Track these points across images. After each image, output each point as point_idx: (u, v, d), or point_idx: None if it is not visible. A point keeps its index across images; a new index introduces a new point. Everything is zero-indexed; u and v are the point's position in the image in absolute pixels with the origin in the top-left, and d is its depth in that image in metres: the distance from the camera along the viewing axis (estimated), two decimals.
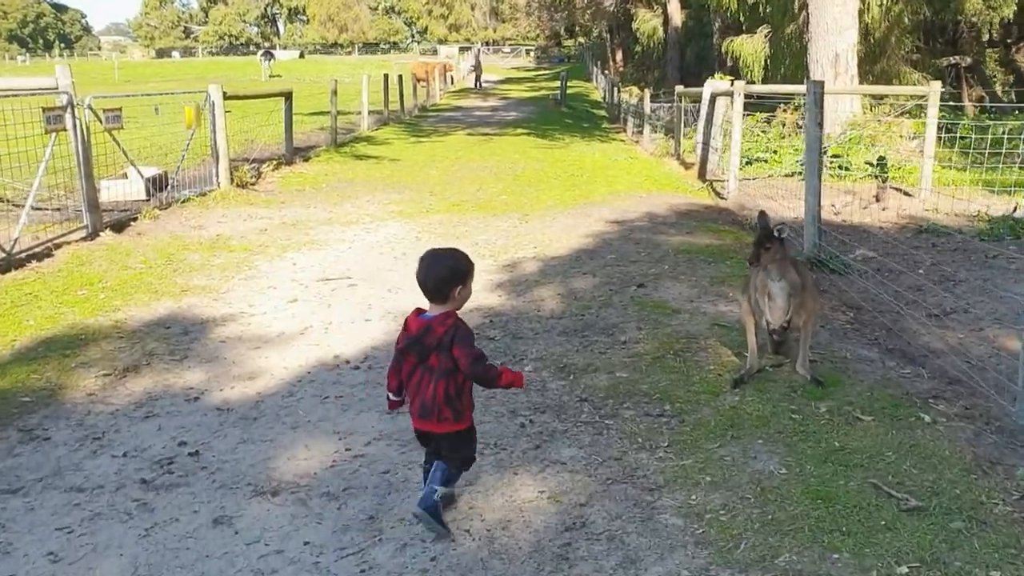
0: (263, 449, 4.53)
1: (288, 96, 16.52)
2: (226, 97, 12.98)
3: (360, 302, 7.21)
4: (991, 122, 17.70)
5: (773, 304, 5.09)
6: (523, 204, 12.05)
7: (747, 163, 15.34)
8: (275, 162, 15.34)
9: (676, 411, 4.81)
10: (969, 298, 7.34)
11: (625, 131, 26.26)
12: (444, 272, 3.36)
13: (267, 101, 17.01)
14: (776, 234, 4.97)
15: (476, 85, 47.00)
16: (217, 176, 12.86)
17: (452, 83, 47.03)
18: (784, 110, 20.19)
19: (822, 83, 8.52)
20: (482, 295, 7.37)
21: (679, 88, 19.22)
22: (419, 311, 3.45)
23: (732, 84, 14.05)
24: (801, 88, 16.41)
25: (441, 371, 3.34)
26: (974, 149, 15.47)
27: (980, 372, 5.43)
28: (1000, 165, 14.22)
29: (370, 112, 24.48)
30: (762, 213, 5.11)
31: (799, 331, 5.21)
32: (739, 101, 12.93)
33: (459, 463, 3.59)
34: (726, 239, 9.50)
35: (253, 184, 13.56)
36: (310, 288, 7.68)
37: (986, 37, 26.81)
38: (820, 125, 8.52)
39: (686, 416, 4.74)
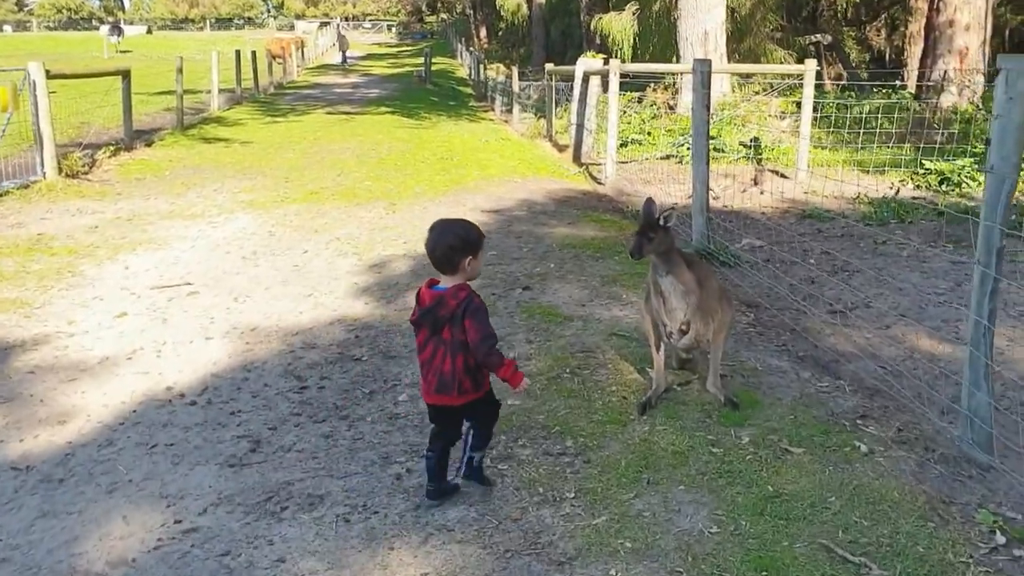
0: (68, 526, 3.56)
1: (126, 75, 14.93)
2: (50, 76, 11.45)
3: (201, 315, 6.18)
4: (856, 101, 17.91)
5: (666, 304, 4.44)
6: (389, 191, 11.13)
7: (621, 145, 14.86)
8: (113, 148, 13.81)
9: (580, 447, 4.09)
10: (867, 290, 6.95)
11: (493, 110, 25.52)
12: (454, 241, 3.27)
13: (107, 80, 15.36)
14: (662, 222, 4.30)
15: (342, 62, 45.12)
16: (42, 165, 11.33)
17: (309, 59, 45.10)
18: (654, 89, 19.90)
19: (709, 62, 7.97)
20: (345, 302, 6.47)
21: (549, 66, 18.59)
22: (432, 282, 3.40)
23: (606, 63, 13.48)
24: (676, 67, 16.13)
25: (456, 343, 3.30)
26: (841, 128, 15.52)
27: (899, 379, 4.96)
28: (874, 146, 14.26)
29: (222, 91, 22.83)
30: (649, 200, 4.44)
31: (707, 343, 4.58)
32: (615, 81, 12.36)
33: (488, 421, 3.65)
34: (610, 230, 8.89)
35: (86, 173, 12.08)
36: (143, 298, 6.58)
37: (843, 15, 27.42)
38: (707, 107, 7.98)
39: (592, 454, 4.02)
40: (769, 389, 4.77)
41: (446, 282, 3.32)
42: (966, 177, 11.70)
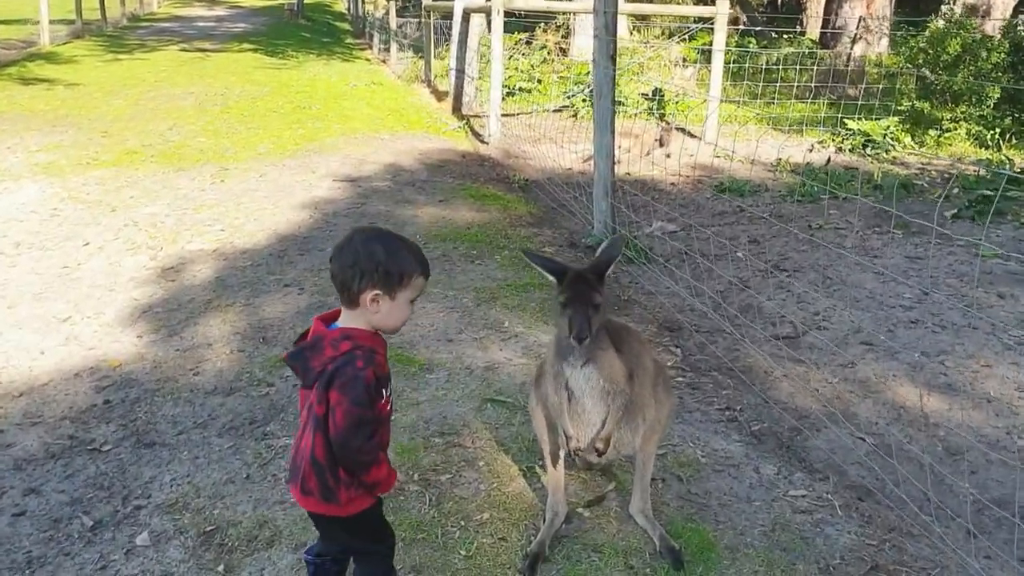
0: None
1: None
2: None
3: None
4: (759, 49, 16.49)
5: (573, 405, 2.75)
6: (224, 151, 9.04)
7: (507, 94, 13.03)
8: None
9: None
10: (815, 302, 5.41)
11: (371, 48, 23.08)
12: (355, 261, 2.18)
13: None
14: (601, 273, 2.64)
15: None
16: None
17: None
18: (544, 30, 18.02)
19: (615, 1, 6.18)
20: (111, 334, 4.54)
21: (427, 1, 16.43)
22: (334, 314, 2.30)
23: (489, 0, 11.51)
24: (572, 6, 14.22)
25: (315, 417, 2.17)
26: (748, 79, 14.08)
27: (892, 472, 3.41)
28: (787, 100, 12.84)
29: (57, 22, 19.73)
30: (615, 242, 2.77)
31: (631, 449, 2.91)
32: (498, 21, 10.41)
33: (368, 565, 2.43)
34: (492, 209, 7.09)
35: None
36: None
37: None
38: (613, 59, 6.23)
39: None
40: (722, 508, 3.13)
41: (343, 319, 2.24)
42: (892, 139, 10.38)
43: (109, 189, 7.49)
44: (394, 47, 19.12)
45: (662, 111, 12.13)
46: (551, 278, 2.66)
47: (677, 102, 12.68)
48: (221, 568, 2.79)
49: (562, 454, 2.92)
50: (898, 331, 4.98)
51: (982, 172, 8.55)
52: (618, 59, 12.58)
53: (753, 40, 18.03)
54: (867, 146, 10.28)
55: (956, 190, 8.09)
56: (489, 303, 4.90)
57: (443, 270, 5.43)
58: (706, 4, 13.57)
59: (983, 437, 3.86)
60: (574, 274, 2.63)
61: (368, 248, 2.15)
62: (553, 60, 15.59)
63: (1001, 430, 3.92)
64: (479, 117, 11.65)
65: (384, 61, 20.09)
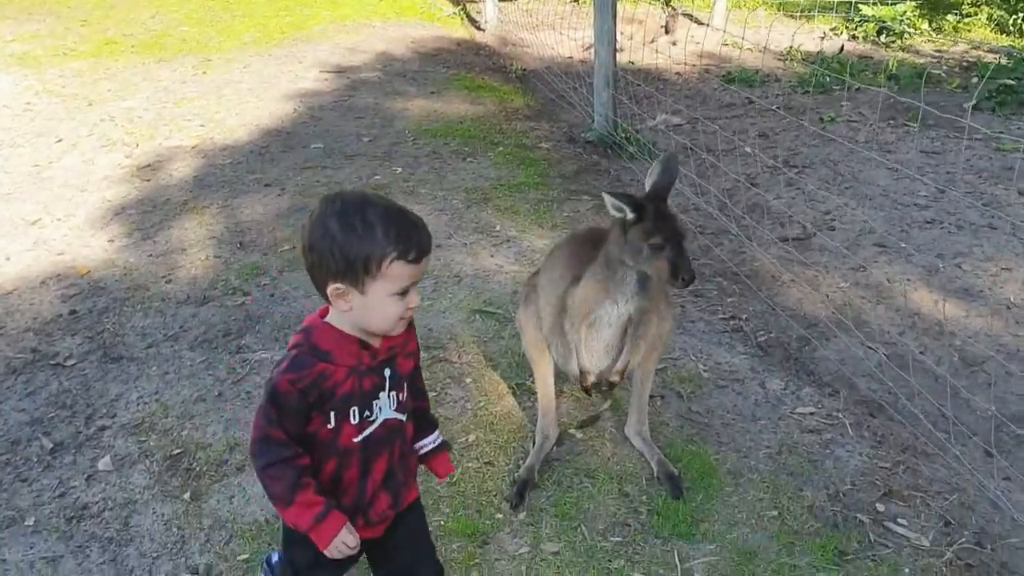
0: None
1: None
2: None
3: None
4: None
5: (593, 339, 2.52)
6: (208, 40, 8.60)
7: None
8: None
9: None
10: (826, 200, 5.12)
11: None
12: (311, 244, 1.68)
13: None
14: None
15: None
16: None
17: None
18: None
19: None
20: (81, 238, 4.30)
21: None
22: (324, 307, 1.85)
23: None
24: None
25: None
26: None
27: (910, 389, 3.20)
28: None
29: None
30: (668, 161, 2.49)
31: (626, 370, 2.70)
32: None
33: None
34: (486, 101, 6.72)
35: None
36: None
37: None
38: None
39: None
40: (724, 428, 2.93)
41: (329, 316, 1.77)
42: (908, 25, 9.85)
43: (86, 82, 7.12)
44: None
45: None
46: (631, 214, 2.35)
47: None
48: (187, 495, 2.62)
49: (552, 372, 2.71)
50: (913, 231, 4.71)
51: (1003, 60, 8.10)
52: None
53: None
54: (882, 33, 9.76)
55: (975, 79, 7.67)
56: (480, 205, 4.61)
57: (432, 168, 5.12)
58: None
59: (1002, 347, 3.64)
60: (656, 208, 2.34)
61: (324, 227, 1.63)
62: None
63: (1022, 339, 3.70)
64: (475, 2, 11.07)
65: None
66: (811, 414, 3.03)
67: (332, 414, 1.69)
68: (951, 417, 3.08)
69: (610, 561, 2.34)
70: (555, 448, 2.77)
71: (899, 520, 2.53)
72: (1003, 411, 3.17)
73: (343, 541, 1.70)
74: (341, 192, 1.70)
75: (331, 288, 1.64)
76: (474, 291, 3.72)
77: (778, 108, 6.99)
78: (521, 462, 2.70)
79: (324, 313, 1.75)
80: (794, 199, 5.22)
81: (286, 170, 5.10)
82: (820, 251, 4.54)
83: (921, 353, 3.60)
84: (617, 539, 2.41)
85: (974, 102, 6.93)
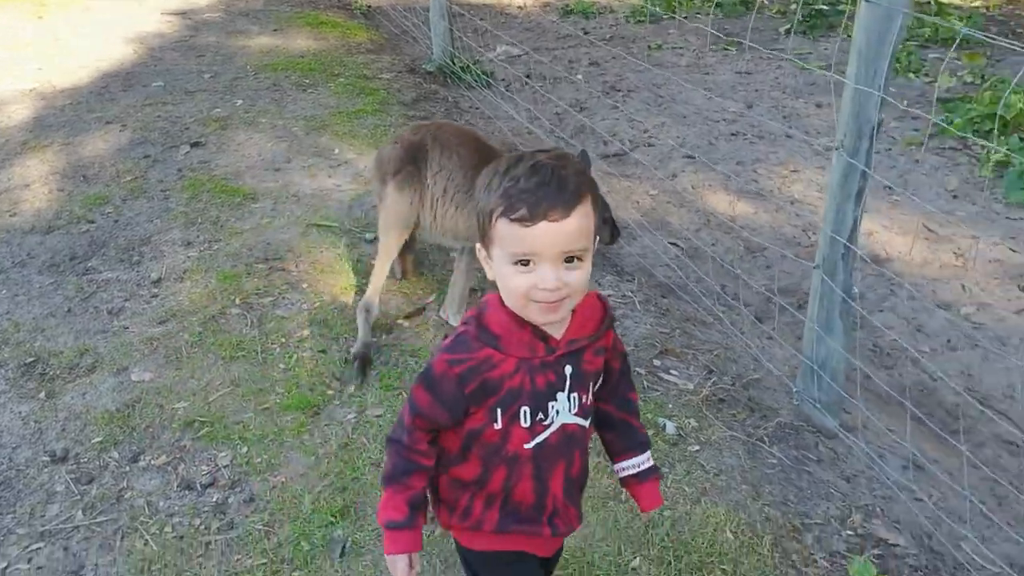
0: None
1: None
2: None
3: None
4: None
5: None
6: None
7: None
8: None
9: (239, 472, 2.52)
10: (645, 119, 5.59)
11: None
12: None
13: None
14: None
15: None
16: None
17: None
18: None
19: None
20: None
21: None
22: None
23: None
24: None
25: None
26: None
27: (697, 278, 3.69)
28: None
29: None
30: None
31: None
32: None
33: None
34: (329, 36, 6.89)
35: None
36: None
37: None
38: None
39: (258, 483, 2.48)
40: None
41: None
42: None
43: None
44: None
45: None
46: None
47: None
48: (43, 395, 2.85)
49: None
50: (719, 144, 5.23)
51: None
52: None
53: None
54: None
55: (793, 5, 8.29)
56: (319, 131, 4.86)
57: (273, 100, 5.32)
58: None
59: (781, 236, 4.18)
60: None
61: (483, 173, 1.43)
62: None
63: (799, 228, 4.25)
64: None
65: None
66: (608, 295, 3.47)
67: (498, 412, 1.44)
68: (730, 294, 3.59)
69: None
70: (385, 336, 3.12)
71: (671, 371, 3.00)
72: (774, 287, 3.70)
73: (396, 566, 1.53)
74: (521, 152, 1.42)
75: (476, 247, 1.45)
76: (311, 208, 4.00)
77: (610, 38, 7.44)
78: (351, 352, 3.03)
79: None
80: (617, 120, 5.66)
81: (127, 108, 5.20)
82: (636, 165, 4.99)
83: (713, 245, 4.10)
84: None
85: (788, 26, 7.54)
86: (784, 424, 2.75)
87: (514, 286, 1.36)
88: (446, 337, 1.46)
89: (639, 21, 8.01)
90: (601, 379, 1.56)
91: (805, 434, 2.74)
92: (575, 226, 1.31)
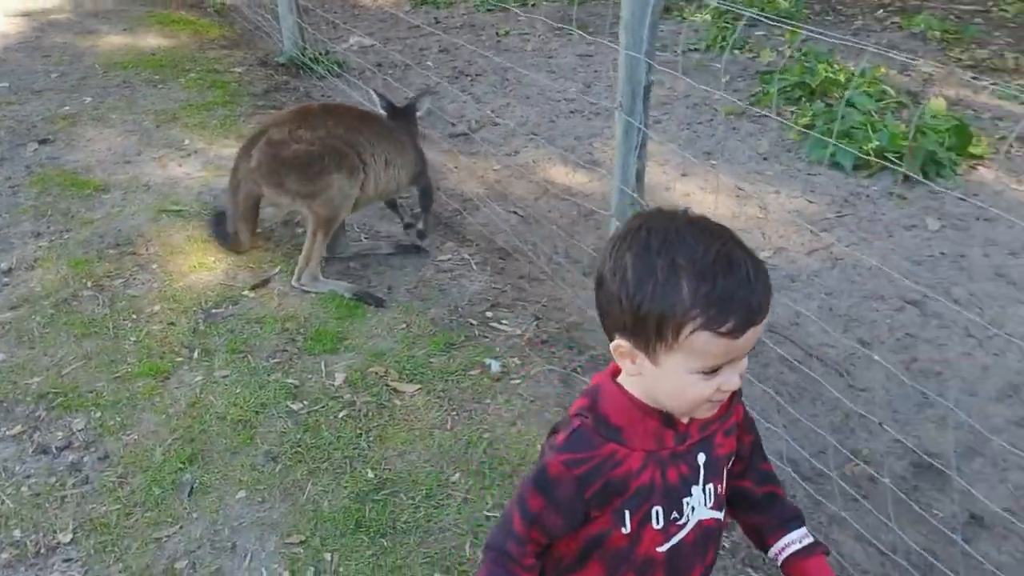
0: None
1: None
2: None
3: None
4: None
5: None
6: None
7: None
8: None
9: (93, 433, 2.71)
10: (492, 101, 5.91)
11: None
12: (603, 278, 1.23)
13: None
14: None
15: None
16: None
17: None
18: None
19: None
20: None
21: None
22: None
23: None
24: None
25: None
26: None
27: (536, 236, 4.02)
28: None
29: None
30: None
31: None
32: None
33: None
34: (181, 34, 6.96)
35: None
36: None
37: None
38: None
39: (111, 443, 2.67)
40: (377, 275, 3.60)
41: (622, 375, 1.32)
42: None
43: None
44: None
45: None
46: None
47: None
48: None
49: None
50: (559, 121, 5.59)
51: None
52: None
53: None
54: None
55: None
56: (170, 124, 4.98)
57: (122, 96, 5.40)
58: None
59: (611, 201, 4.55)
60: None
61: (618, 260, 1.18)
62: None
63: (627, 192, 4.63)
64: None
65: None
66: (447, 259, 3.76)
67: (626, 514, 1.26)
68: (561, 253, 3.93)
69: (269, 375, 2.95)
70: (231, 306, 3.32)
71: (502, 321, 3.31)
72: (602, 245, 4.05)
73: None
74: (655, 212, 1.21)
75: (614, 343, 1.22)
76: (162, 195, 4.15)
77: (460, 26, 7.74)
78: (200, 322, 3.22)
79: (616, 371, 1.30)
80: (465, 103, 5.95)
81: None
82: (481, 143, 5.29)
83: (549, 212, 4.44)
84: (276, 360, 3.03)
85: None
86: (596, 356, 3.10)
87: (692, 395, 1.18)
88: (555, 432, 1.28)
89: (489, 9, 8.33)
90: (733, 460, 1.38)
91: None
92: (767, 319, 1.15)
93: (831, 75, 5.51)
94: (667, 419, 1.24)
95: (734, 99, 5.63)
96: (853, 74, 5.53)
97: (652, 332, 1.14)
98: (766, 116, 5.44)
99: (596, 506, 1.24)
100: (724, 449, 1.32)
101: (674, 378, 1.17)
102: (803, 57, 5.97)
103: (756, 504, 1.44)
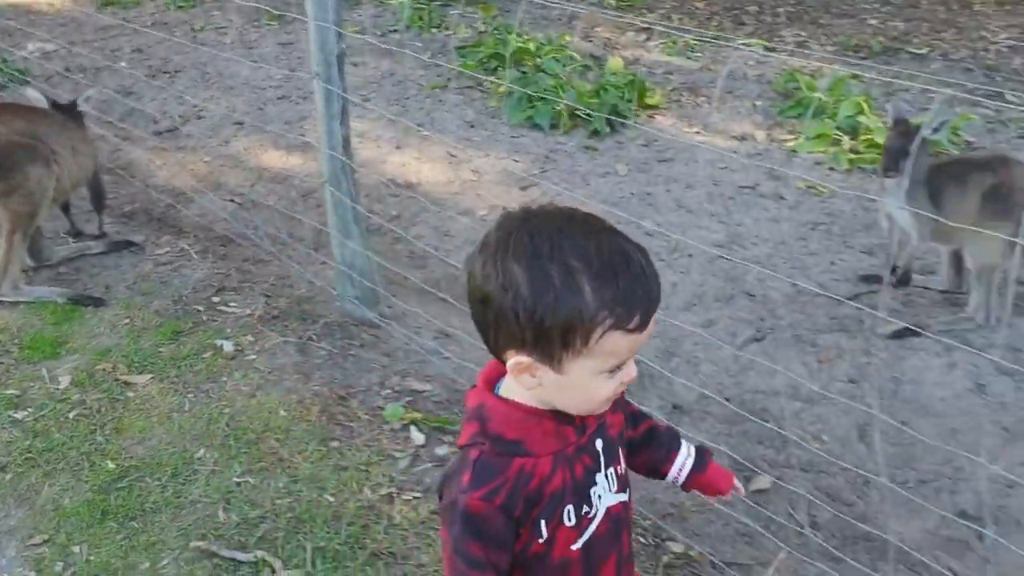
0: None
1: None
2: None
3: None
4: None
5: None
6: None
7: None
8: None
9: None
10: (194, 95, 5.75)
11: None
12: (485, 292, 1.11)
13: None
14: None
15: None
16: None
17: None
18: None
19: None
20: None
21: None
22: (489, 369, 1.27)
23: None
24: None
25: None
26: None
27: (254, 221, 4.02)
28: None
29: None
30: None
31: None
32: None
33: None
34: None
35: None
36: None
37: None
38: None
39: None
40: (105, 271, 3.47)
41: (505, 386, 1.24)
42: None
43: None
44: None
45: None
46: None
47: None
48: None
49: None
50: (267, 108, 5.56)
51: None
52: None
53: None
54: None
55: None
56: None
57: None
58: None
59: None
60: None
61: (504, 271, 1.10)
62: None
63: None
64: None
65: None
66: (165, 252, 3.69)
67: (542, 524, 1.21)
68: (287, 233, 3.95)
69: None
70: None
71: (230, 304, 3.31)
72: (325, 220, 4.12)
73: None
74: (527, 212, 1.14)
75: (513, 360, 1.14)
76: None
77: (152, 24, 7.42)
78: None
79: (491, 379, 1.25)
80: (167, 100, 5.76)
81: None
82: (188, 137, 5.17)
83: (268, 195, 4.43)
84: None
85: None
86: (330, 323, 3.19)
87: (599, 395, 1.17)
88: (448, 477, 1.22)
89: (180, 7, 8.05)
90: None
91: (350, 328, 3.19)
92: None
93: (522, 45, 5.88)
94: (561, 416, 1.19)
95: (436, 74, 5.89)
96: (542, 43, 5.95)
97: (557, 342, 1.09)
98: (469, 87, 5.73)
99: (520, 525, 1.19)
100: (615, 428, 1.29)
101: (580, 383, 1.14)
102: (496, 31, 6.33)
103: (640, 444, 1.43)
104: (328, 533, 2.23)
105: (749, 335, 3.29)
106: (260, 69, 6.21)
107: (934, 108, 3.68)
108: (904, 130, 3.16)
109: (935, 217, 2.96)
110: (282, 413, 2.65)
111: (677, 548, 2.28)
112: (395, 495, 2.37)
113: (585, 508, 1.22)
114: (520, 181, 4.50)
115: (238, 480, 2.41)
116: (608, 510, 1.25)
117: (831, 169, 4.54)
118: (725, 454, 2.37)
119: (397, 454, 2.54)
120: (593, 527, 1.24)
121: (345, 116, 2.90)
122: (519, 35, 6.07)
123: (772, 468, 2.61)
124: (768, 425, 2.71)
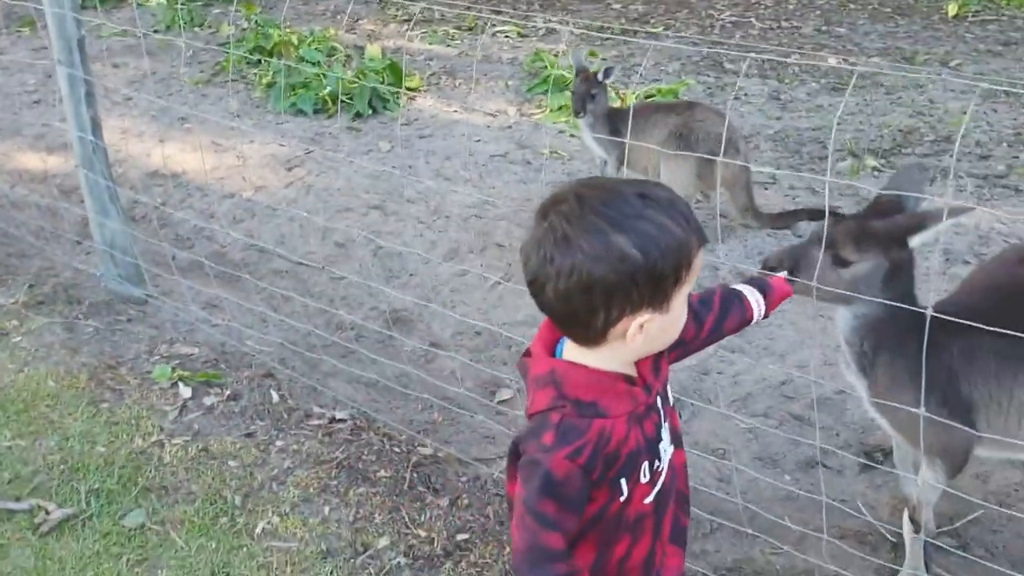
0: None
1: None
2: None
3: None
4: None
5: None
6: None
7: None
8: None
9: None
10: None
11: None
12: (588, 276, 1.13)
13: None
14: None
15: None
16: None
17: None
18: None
19: None
20: None
21: None
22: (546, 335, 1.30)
23: None
24: None
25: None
26: None
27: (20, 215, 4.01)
28: None
29: None
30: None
31: None
32: None
33: None
34: None
35: None
36: None
37: None
38: None
39: None
40: None
41: (568, 351, 1.28)
42: None
43: None
44: None
45: None
46: None
47: None
48: None
49: None
50: (23, 112, 5.46)
51: None
52: None
53: None
54: None
55: None
56: None
57: None
58: None
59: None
60: None
61: (606, 249, 1.14)
62: None
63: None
64: None
65: None
66: None
67: (623, 483, 1.25)
68: (49, 227, 3.98)
69: None
70: None
71: None
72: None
73: None
74: (561, 199, 1.18)
75: (640, 320, 1.19)
76: None
77: None
78: None
79: (550, 348, 1.30)
80: None
81: None
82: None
83: (28, 195, 4.42)
84: None
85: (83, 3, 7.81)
86: (97, 303, 3.30)
87: (685, 316, 1.26)
88: (522, 440, 1.24)
89: None
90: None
91: (117, 305, 3.32)
92: None
93: (284, 38, 6.05)
94: (628, 378, 1.26)
95: (199, 70, 5.97)
96: (304, 36, 6.14)
97: (671, 283, 1.17)
98: (233, 80, 5.85)
99: (595, 486, 1.22)
100: (663, 377, 1.33)
101: (678, 313, 1.22)
102: (259, 26, 6.46)
103: (720, 319, 1.50)
104: (101, 477, 2.39)
105: (497, 279, 3.68)
106: (14, 76, 6.07)
107: (571, 55, 4.32)
108: (585, 77, 3.78)
109: (619, 140, 3.58)
110: (51, 383, 2.77)
111: (426, 451, 2.60)
112: (165, 441, 2.56)
113: (656, 463, 1.28)
114: (286, 163, 4.71)
115: (8, 444, 2.51)
116: (671, 461, 1.33)
117: (572, 136, 5.03)
118: (476, 374, 2.72)
119: (167, 408, 2.72)
120: (662, 480, 1.30)
121: (91, 99, 3.03)
122: (279, 28, 6.24)
123: (514, 383, 2.98)
124: (512, 350, 3.09)
